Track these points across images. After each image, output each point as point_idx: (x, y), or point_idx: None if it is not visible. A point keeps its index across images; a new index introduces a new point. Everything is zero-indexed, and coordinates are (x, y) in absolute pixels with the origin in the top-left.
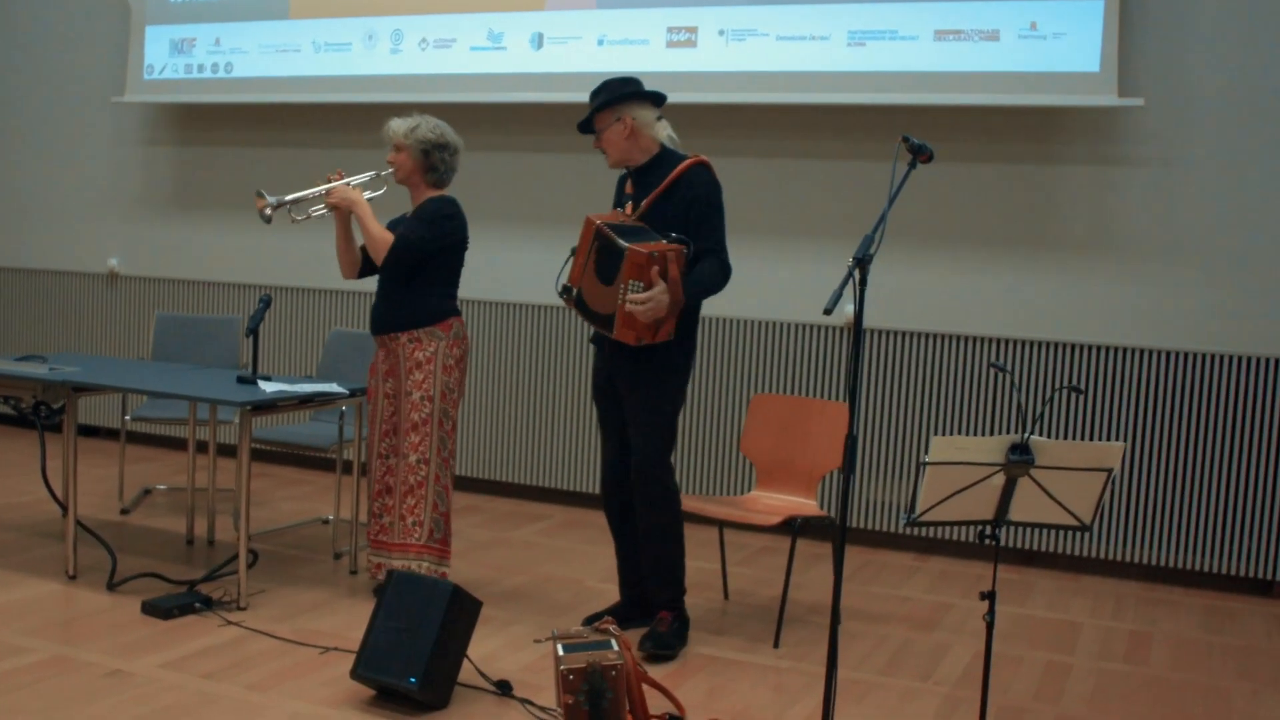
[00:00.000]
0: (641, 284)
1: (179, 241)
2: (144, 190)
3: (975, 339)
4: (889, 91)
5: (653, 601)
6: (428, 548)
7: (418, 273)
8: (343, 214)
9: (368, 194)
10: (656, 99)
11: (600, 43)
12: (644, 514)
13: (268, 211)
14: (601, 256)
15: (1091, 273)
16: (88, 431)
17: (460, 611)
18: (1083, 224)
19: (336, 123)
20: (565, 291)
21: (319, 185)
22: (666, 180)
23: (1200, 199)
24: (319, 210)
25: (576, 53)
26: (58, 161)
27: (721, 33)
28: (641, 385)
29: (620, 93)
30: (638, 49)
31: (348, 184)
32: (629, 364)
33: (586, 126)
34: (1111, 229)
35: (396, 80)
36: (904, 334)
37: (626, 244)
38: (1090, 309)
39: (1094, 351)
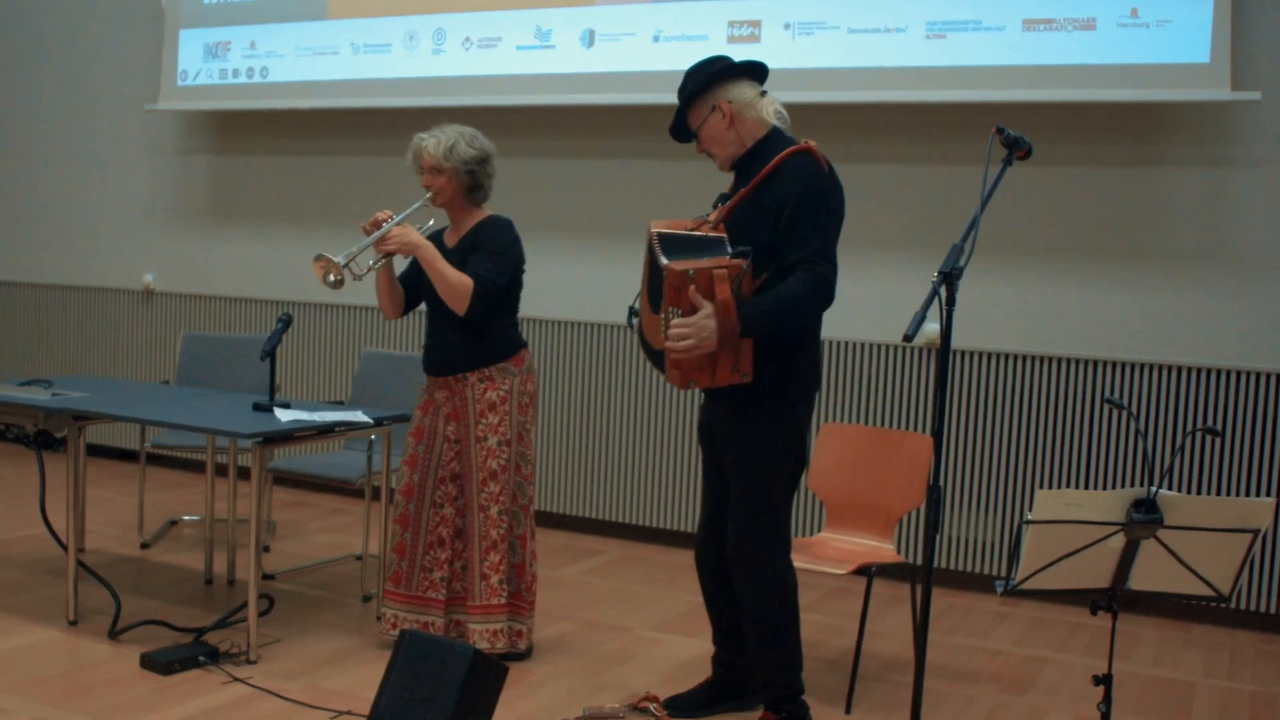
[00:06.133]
0: (681, 310)
1: (216, 256)
2: (179, 202)
3: (1070, 360)
4: (972, 88)
5: (760, 695)
6: (505, 606)
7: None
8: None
9: (418, 227)
10: (756, 71)
11: (656, 39)
12: (743, 600)
13: (333, 278)
14: (652, 276)
15: (1201, 286)
16: (120, 455)
17: (482, 679)
18: (1194, 231)
19: (376, 128)
20: (631, 315)
21: (370, 232)
22: (760, 174)
23: None
24: (380, 262)
25: (630, 50)
26: (90, 173)
27: (787, 26)
28: (739, 440)
29: (708, 73)
30: (696, 45)
31: (395, 222)
32: (725, 409)
33: (681, 132)
34: (1226, 237)
35: (439, 83)
36: (989, 355)
37: (665, 259)
38: (1201, 327)
39: (1197, 375)
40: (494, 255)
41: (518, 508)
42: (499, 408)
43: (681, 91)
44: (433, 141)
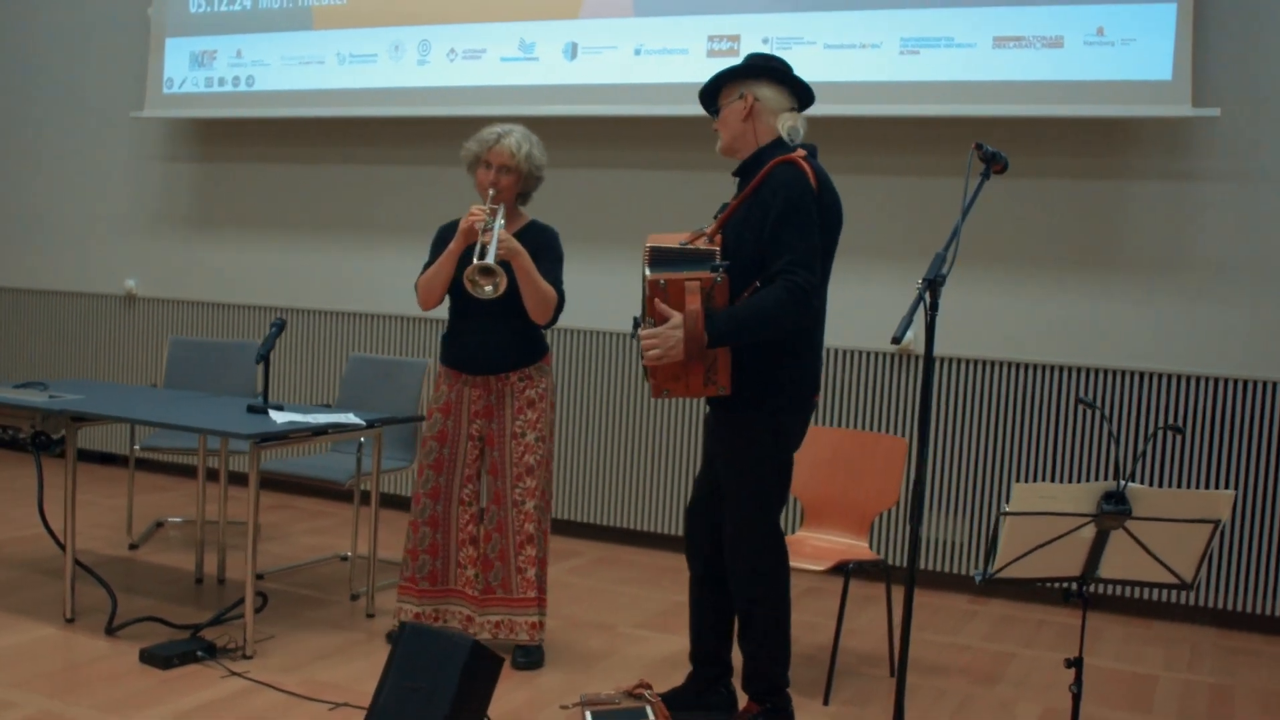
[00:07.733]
0: (654, 321)
1: (199, 262)
2: (163, 208)
3: (1039, 366)
4: (944, 103)
5: (744, 685)
6: (536, 600)
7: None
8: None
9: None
10: (799, 91)
11: (637, 52)
12: (736, 593)
13: (489, 288)
14: (642, 288)
15: (1164, 295)
16: (104, 459)
17: (480, 670)
18: (1156, 243)
19: (362, 138)
20: (635, 325)
21: (480, 231)
22: (751, 184)
23: None
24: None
25: (612, 63)
26: (74, 179)
27: (765, 41)
28: (729, 442)
29: (752, 64)
30: (677, 59)
31: (497, 227)
32: (718, 411)
33: (710, 99)
34: (1187, 248)
35: (424, 93)
36: (963, 361)
37: (648, 271)
38: (1163, 334)
39: (1161, 380)
40: (555, 261)
41: (545, 502)
42: (537, 405)
43: (731, 68)
44: (512, 140)
